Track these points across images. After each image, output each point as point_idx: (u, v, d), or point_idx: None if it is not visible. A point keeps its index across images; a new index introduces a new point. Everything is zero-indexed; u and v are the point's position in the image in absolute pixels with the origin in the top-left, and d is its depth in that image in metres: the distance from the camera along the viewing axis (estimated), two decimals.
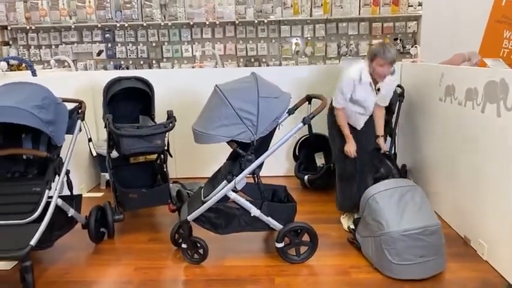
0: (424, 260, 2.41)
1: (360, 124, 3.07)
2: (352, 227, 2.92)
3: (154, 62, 5.98)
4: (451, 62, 3.81)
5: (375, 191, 2.59)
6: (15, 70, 5.42)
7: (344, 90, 2.92)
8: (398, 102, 3.67)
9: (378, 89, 2.97)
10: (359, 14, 5.54)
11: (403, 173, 3.83)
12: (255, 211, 2.58)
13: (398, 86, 3.80)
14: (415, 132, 3.71)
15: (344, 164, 3.05)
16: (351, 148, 2.96)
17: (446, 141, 3.14)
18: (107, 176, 3.89)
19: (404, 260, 2.40)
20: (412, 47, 5.35)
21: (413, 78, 3.79)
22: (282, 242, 2.64)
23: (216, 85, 2.56)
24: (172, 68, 5.88)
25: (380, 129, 3.13)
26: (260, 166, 2.60)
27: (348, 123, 3.03)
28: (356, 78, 2.89)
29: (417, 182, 3.48)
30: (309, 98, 2.79)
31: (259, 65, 5.80)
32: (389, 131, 3.67)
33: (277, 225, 2.63)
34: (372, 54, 2.84)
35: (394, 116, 3.68)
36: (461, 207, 2.94)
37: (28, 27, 5.85)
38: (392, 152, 3.76)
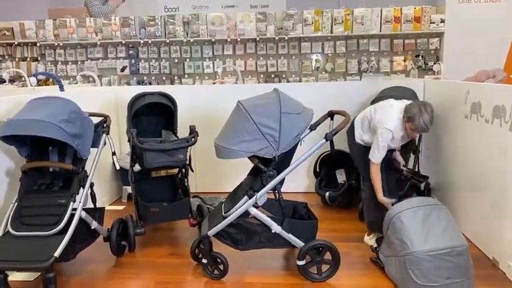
0: (450, 281, 2.33)
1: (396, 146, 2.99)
2: (375, 245, 2.86)
3: (176, 77, 6.08)
4: (476, 79, 3.75)
5: (399, 210, 2.53)
6: (42, 85, 5.61)
7: (382, 145, 2.78)
8: None
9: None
10: (380, 30, 5.54)
11: (427, 191, 3.75)
12: (276, 227, 2.56)
13: None
14: (439, 150, 3.64)
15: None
16: (385, 200, 2.81)
17: (472, 159, 3.06)
18: (128, 189, 3.94)
19: (430, 281, 2.32)
20: (434, 63, 5.30)
21: (437, 95, 3.74)
22: (303, 260, 2.60)
23: (239, 101, 2.58)
24: (194, 83, 5.97)
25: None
26: (282, 182, 2.59)
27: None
28: (394, 131, 2.77)
29: (441, 200, 3.39)
30: (331, 114, 2.78)
31: (280, 81, 5.83)
32: (413, 148, 3.62)
33: (298, 243, 2.59)
34: (408, 115, 2.69)
35: None
36: (489, 227, 2.85)
37: (56, 44, 6.05)
38: (416, 169, 3.69)
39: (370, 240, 3.06)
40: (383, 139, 2.76)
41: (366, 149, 2.91)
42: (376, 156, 2.80)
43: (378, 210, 2.91)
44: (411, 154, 3.67)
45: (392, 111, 2.81)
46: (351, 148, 3.15)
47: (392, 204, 2.65)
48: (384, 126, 2.76)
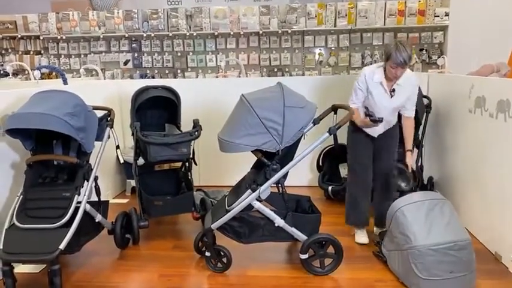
0: (453, 275, 2.34)
1: (376, 131, 2.92)
2: (378, 239, 2.87)
3: (179, 71, 6.08)
4: (480, 73, 3.73)
5: (402, 204, 2.53)
6: (45, 78, 5.62)
7: (356, 87, 2.83)
8: (425, 114, 3.61)
9: (393, 90, 2.81)
10: (384, 24, 5.51)
11: (430, 185, 3.75)
12: (279, 221, 2.57)
13: (425, 97, 3.74)
14: (443, 144, 3.64)
15: (356, 177, 3.02)
16: (362, 120, 2.83)
17: (476, 154, 3.06)
18: (132, 182, 3.97)
19: (432, 275, 2.33)
20: (438, 57, 5.27)
21: (441, 89, 3.73)
22: (306, 254, 2.61)
23: (242, 94, 2.57)
24: (197, 77, 5.96)
25: (408, 142, 2.98)
26: (285, 176, 2.59)
27: (365, 132, 2.92)
28: (368, 75, 2.80)
29: (444, 195, 3.39)
30: (334, 108, 2.77)
31: (282, 75, 5.82)
32: (416, 142, 3.61)
33: (301, 236, 2.60)
34: (386, 54, 2.72)
35: (421, 127, 3.61)
36: (492, 222, 2.85)
37: (59, 37, 6.05)
38: (419, 164, 3.68)
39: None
40: (357, 81, 2.85)
41: (351, 131, 3.01)
42: (352, 100, 2.89)
43: (351, 205, 3.05)
44: (414, 148, 3.66)
45: (367, 67, 2.91)
46: (347, 140, 3.13)
47: (370, 119, 2.70)
48: (358, 76, 2.88)
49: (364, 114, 2.83)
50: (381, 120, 2.70)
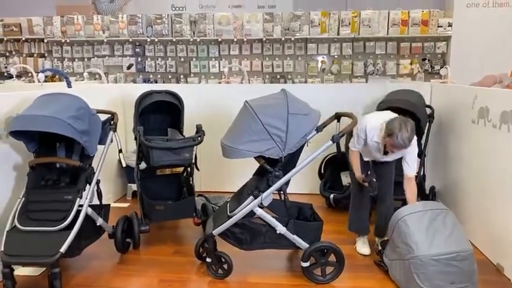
0: (455, 286, 2.33)
1: (378, 158, 2.88)
2: (379, 248, 2.86)
3: (182, 76, 6.10)
4: (482, 83, 3.74)
5: (405, 213, 2.53)
6: (48, 81, 5.63)
7: (357, 133, 2.80)
8: (428, 123, 3.61)
9: (386, 152, 2.74)
10: (387, 33, 5.54)
11: (432, 195, 3.74)
12: (280, 228, 2.56)
13: (428, 106, 3.74)
14: (445, 154, 3.63)
15: (358, 185, 3.00)
16: (358, 175, 2.88)
17: (478, 164, 3.06)
18: (133, 186, 3.95)
19: (434, 285, 2.32)
20: (441, 67, 5.29)
21: (444, 99, 3.74)
22: (307, 261, 2.60)
23: (246, 101, 2.58)
24: (199, 82, 5.98)
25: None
26: (287, 183, 2.59)
27: (366, 161, 2.94)
28: (369, 130, 2.75)
29: (446, 204, 3.36)
30: (338, 116, 2.78)
31: (285, 82, 5.84)
32: (419, 152, 3.60)
33: (303, 244, 2.59)
34: (388, 131, 2.58)
35: (424, 137, 3.61)
36: (494, 233, 2.84)
37: (63, 41, 6.08)
38: (422, 173, 3.68)
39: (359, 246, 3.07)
40: (358, 129, 2.79)
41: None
42: (352, 143, 2.89)
43: (354, 212, 3.06)
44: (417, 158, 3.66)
45: (372, 117, 2.83)
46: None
47: (364, 180, 2.82)
48: (361, 121, 2.80)
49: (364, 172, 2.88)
50: (375, 184, 2.80)
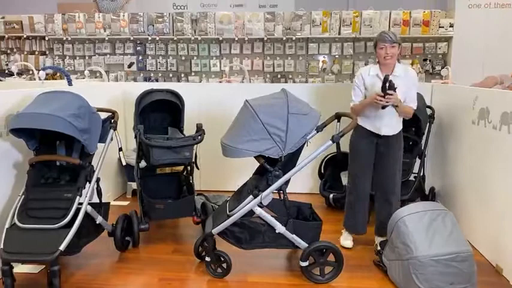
0: (454, 287, 2.33)
1: (381, 129, 2.85)
2: (378, 248, 2.86)
3: (182, 75, 6.10)
4: (483, 84, 3.74)
5: (404, 214, 2.53)
6: (49, 79, 5.64)
7: (354, 86, 2.94)
8: (428, 124, 3.61)
9: (384, 107, 2.74)
10: None
11: (431, 195, 3.74)
12: (280, 228, 2.56)
13: (429, 107, 3.74)
14: (445, 155, 3.63)
15: (355, 185, 3.04)
16: (375, 96, 2.71)
17: (478, 165, 3.05)
18: (133, 185, 3.96)
19: (433, 286, 2.32)
20: (442, 68, 5.29)
21: (445, 100, 3.73)
22: (306, 261, 2.60)
23: (246, 100, 2.58)
24: (200, 81, 5.98)
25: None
26: (287, 182, 2.59)
27: (367, 139, 2.92)
28: (364, 71, 2.92)
29: (446, 205, 3.38)
30: (338, 116, 2.78)
31: (286, 81, 5.84)
32: (419, 152, 3.61)
33: (302, 244, 2.59)
34: (374, 43, 2.89)
35: (424, 137, 3.61)
36: (493, 234, 2.84)
37: (64, 38, 6.09)
38: (421, 174, 3.68)
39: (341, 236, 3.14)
40: (354, 80, 2.98)
41: (353, 139, 3.02)
42: (352, 99, 2.96)
43: (349, 210, 3.09)
44: (417, 158, 3.66)
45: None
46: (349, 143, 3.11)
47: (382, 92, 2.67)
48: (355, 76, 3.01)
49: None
50: (393, 87, 2.64)
